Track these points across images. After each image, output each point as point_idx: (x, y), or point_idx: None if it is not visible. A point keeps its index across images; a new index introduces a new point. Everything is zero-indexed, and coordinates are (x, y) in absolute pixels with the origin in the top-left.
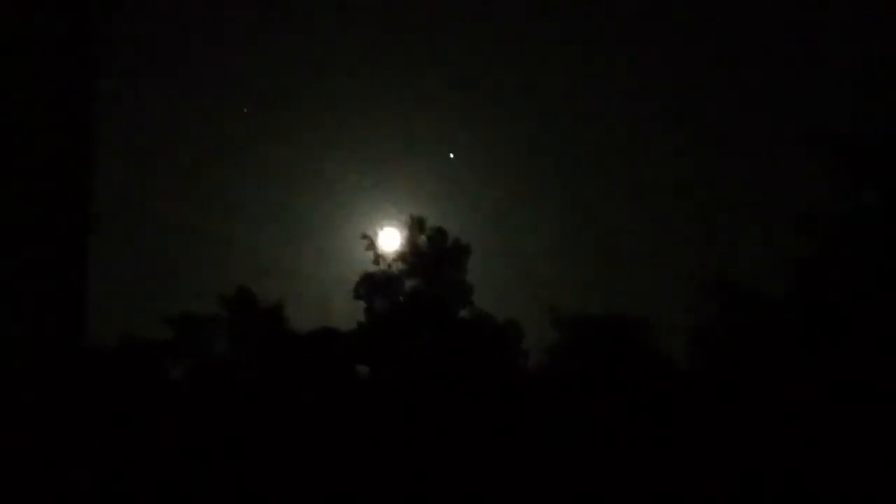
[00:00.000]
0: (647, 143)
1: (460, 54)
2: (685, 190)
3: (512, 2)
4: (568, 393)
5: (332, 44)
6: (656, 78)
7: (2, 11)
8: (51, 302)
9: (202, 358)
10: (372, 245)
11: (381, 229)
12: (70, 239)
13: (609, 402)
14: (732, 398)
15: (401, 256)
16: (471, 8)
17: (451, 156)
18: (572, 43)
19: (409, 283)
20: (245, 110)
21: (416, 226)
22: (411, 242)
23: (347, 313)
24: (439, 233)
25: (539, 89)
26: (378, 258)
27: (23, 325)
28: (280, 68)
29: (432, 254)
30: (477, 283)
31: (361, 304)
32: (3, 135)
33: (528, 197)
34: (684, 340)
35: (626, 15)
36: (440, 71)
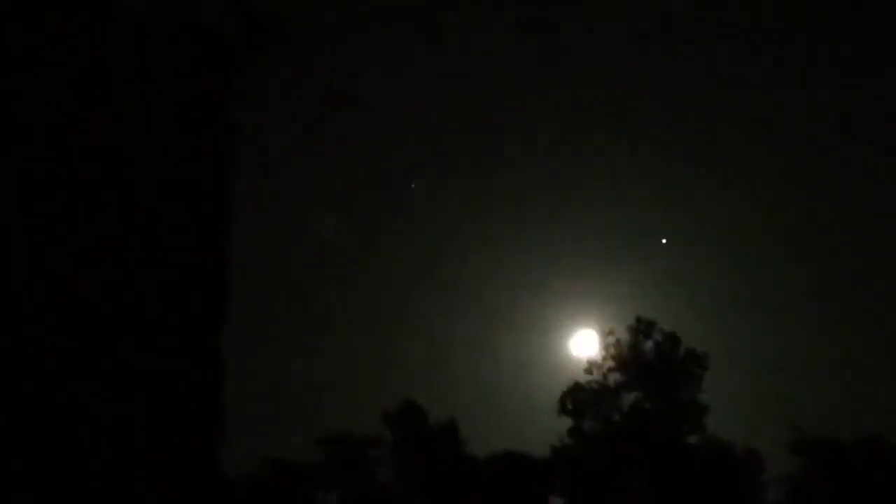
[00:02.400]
0: None
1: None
2: None
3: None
4: None
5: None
6: None
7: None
8: (180, 421)
9: (361, 486)
10: (585, 349)
11: (595, 331)
12: (205, 343)
13: None
14: None
15: (620, 365)
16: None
17: (664, 241)
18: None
19: (629, 399)
20: (413, 185)
21: (642, 329)
22: (634, 349)
23: (542, 433)
24: (671, 339)
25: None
26: (591, 366)
27: (147, 447)
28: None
29: (661, 364)
30: (711, 401)
31: (565, 421)
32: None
33: (770, 300)
34: None
35: None
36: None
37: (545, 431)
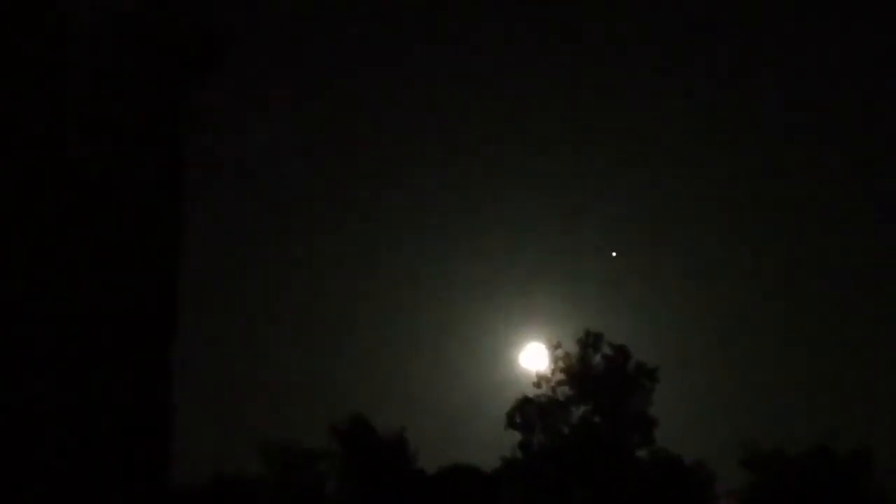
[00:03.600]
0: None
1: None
2: None
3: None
4: None
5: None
6: None
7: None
8: (130, 431)
9: (309, 500)
10: (533, 362)
11: (543, 344)
12: (153, 355)
13: None
14: None
15: (569, 379)
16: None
17: (614, 254)
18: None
19: (577, 413)
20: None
21: (590, 342)
22: (583, 362)
23: (491, 447)
24: (621, 352)
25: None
26: (540, 380)
27: (96, 460)
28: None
29: (610, 378)
30: (659, 414)
31: (513, 435)
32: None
33: (720, 312)
34: None
35: None
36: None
37: (495, 445)
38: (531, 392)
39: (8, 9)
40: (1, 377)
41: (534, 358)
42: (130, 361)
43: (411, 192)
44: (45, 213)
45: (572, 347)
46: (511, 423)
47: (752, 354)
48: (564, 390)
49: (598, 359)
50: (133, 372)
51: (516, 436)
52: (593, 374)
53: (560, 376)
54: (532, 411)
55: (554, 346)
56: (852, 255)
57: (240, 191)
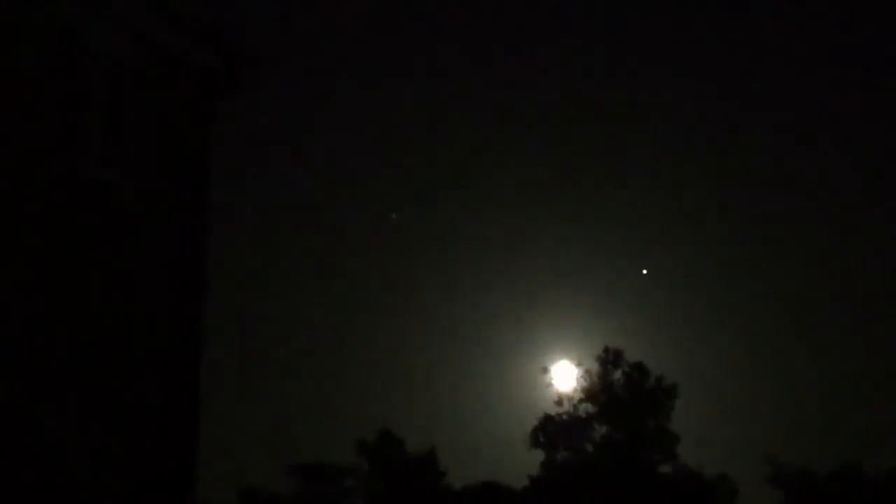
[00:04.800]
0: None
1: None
2: None
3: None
4: None
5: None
6: None
7: None
8: (155, 446)
9: None
10: (553, 381)
11: (566, 363)
12: (178, 371)
13: None
14: None
15: (590, 396)
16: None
17: (645, 272)
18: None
19: (600, 430)
20: (393, 216)
21: (610, 359)
22: (604, 380)
23: (518, 465)
24: (639, 369)
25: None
26: (561, 398)
27: (119, 479)
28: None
29: (630, 395)
30: (682, 431)
31: (537, 453)
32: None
33: (744, 328)
34: None
35: None
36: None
37: (522, 463)
38: (554, 411)
39: (31, 34)
40: (32, 392)
41: (558, 377)
42: (158, 377)
43: (446, 209)
44: (78, 243)
45: (594, 366)
46: (535, 441)
47: (779, 370)
48: (586, 408)
49: (618, 375)
50: (161, 388)
51: (542, 454)
52: (613, 391)
53: (580, 394)
54: (555, 429)
55: (576, 365)
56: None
57: (271, 204)
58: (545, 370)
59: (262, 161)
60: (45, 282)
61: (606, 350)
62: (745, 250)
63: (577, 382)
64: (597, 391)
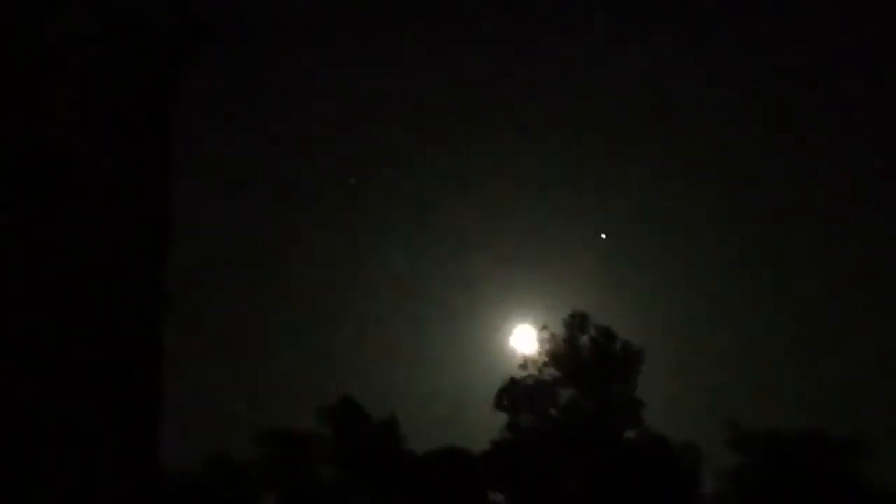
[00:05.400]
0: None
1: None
2: None
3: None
4: None
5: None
6: None
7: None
8: (117, 416)
9: (300, 483)
10: (517, 345)
11: (531, 326)
12: (143, 340)
13: None
14: None
15: (555, 361)
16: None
17: (604, 236)
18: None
19: (565, 394)
20: (352, 181)
21: (577, 324)
22: (570, 344)
23: (480, 429)
24: (606, 334)
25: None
26: (527, 362)
27: (83, 444)
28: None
29: (596, 360)
30: (646, 396)
31: (501, 417)
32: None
33: (708, 292)
34: None
35: None
36: None
37: (484, 427)
38: (518, 374)
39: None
40: None
41: (522, 340)
42: (120, 347)
43: (396, 179)
44: (44, 208)
45: (559, 329)
46: (499, 405)
47: (744, 336)
48: (551, 372)
49: (584, 340)
50: (123, 357)
51: (506, 418)
52: (580, 355)
53: (546, 358)
54: (519, 393)
55: (541, 328)
56: (846, 232)
57: (233, 178)
58: (510, 334)
59: (226, 121)
60: (7, 242)
61: (573, 314)
62: (707, 214)
63: (542, 346)
64: (563, 355)
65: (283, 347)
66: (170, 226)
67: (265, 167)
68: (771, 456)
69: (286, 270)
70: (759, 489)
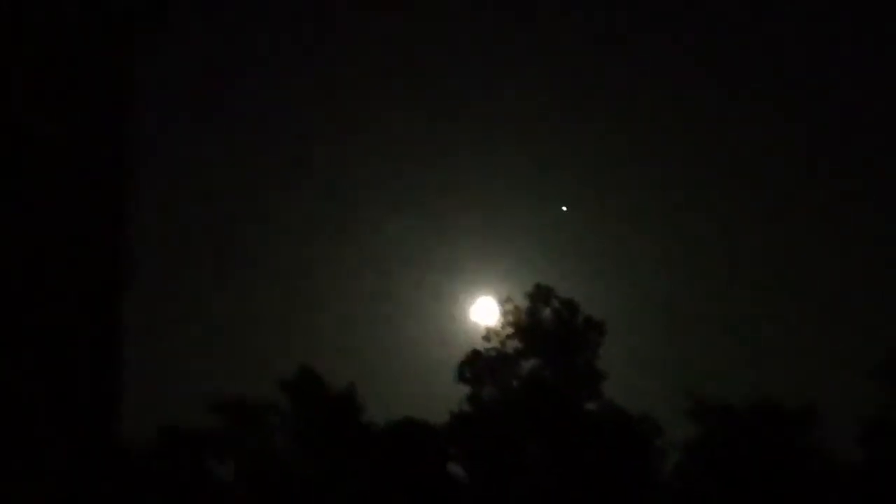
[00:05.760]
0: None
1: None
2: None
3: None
4: (713, 501)
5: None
6: None
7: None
8: (73, 384)
9: (257, 453)
10: (480, 318)
11: (495, 298)
12: (100, 307)
13: None
14: None
15: (518, 332)
16: None
17: (565, 208)
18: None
19: (527, 366)
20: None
21: (540, 296)
22: (533, 317)
23: (440, 401)
24: (569, 306)
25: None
26: (489, 333)
27: (38, 413)
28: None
29: (559, 331)
30: (607, 368)
31: (463, 389)
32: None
33: (668, 266)
34: (858, 434)
35: None
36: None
37: (445, 399)
38: (481, 346)
39: None
40: None
41: (484, 312)
42: (80, 316)
43: (364, 147)
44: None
45: (522, 302)
46: (461, 377)
47: (703, 310)
48: (514, 344)
49: (547, 313)
50: (82, 327)
51: (466, 390)
52: (542, 328)
53: (509, 330)
54: (481, 365)
55: (504, 301)
56: (799, 206)
57: (195, 152)
58: (473, 306)
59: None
60: None
61: (537, 287)
62: (670, 187)
63: (505, 318)
64: (525, 328)
65: (243, 319)
66: (130, 200)
67: (227, 142)
68: (728, 427)
69: (247, 242)
70: (715, 459)
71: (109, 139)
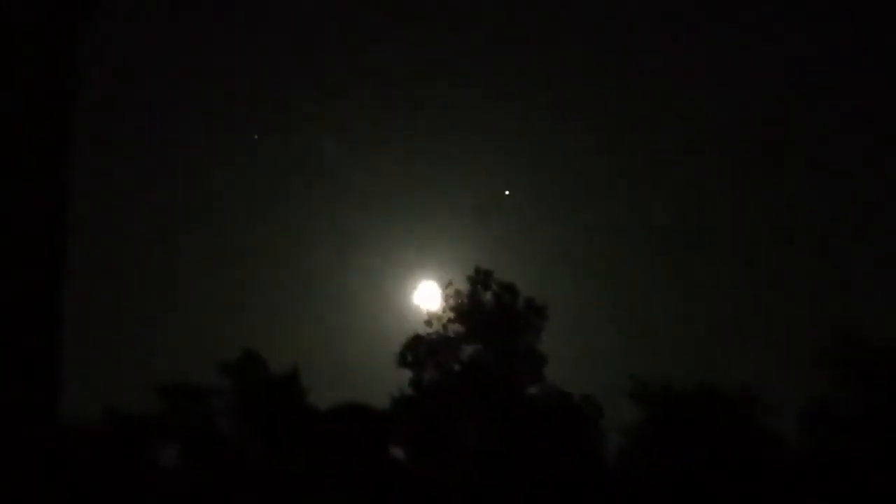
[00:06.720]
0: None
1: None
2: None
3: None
4: (656, 483)
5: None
6: None
7: None
8: (14, 366)
9: (199, 437)
10: (421, 302)
11: (435, 283)
12: (41, 291)
13: (708, 495)
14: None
15: (459, 317)
16: None
17: (507, 192)
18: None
19: (469, 350)
20: (256, 136)
21: (480, 280)
22: (474, 300)
23: (382, 385)
24: (509, 290)
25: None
26: (431, 318)
27: None
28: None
29: (499, 315)
30: (548, 352)
31: (405, 373)
32: None
33: (610, 252)
34: (796, 416)
35: None
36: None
37: (387, 383)
38: (423, 330)
39: None
40: None
41: (427, 297)
42: (16, 298)
43: (296, 135)
44: None
45: (463, 286)
46: (402, 361)
47: (641, 292)
48: (455, 328)
49: (488, 296)
50: (19, 309)
51: (409, 375)
52: (483, 311)
53: (450, 314)
54: (423, 349)
55: (445, 285)
56: (741, 189)
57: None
58: (415, 290)
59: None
60: None
61: (477, 270)
62: (613, 171)
63: (446, 302)
64: (466, 311)
65: (186, 301)
66: (71, 182)
67: (172, 120)
68: (671, 410)
69: (190, 228)
70: (660, 443)
71: (47, 126)
